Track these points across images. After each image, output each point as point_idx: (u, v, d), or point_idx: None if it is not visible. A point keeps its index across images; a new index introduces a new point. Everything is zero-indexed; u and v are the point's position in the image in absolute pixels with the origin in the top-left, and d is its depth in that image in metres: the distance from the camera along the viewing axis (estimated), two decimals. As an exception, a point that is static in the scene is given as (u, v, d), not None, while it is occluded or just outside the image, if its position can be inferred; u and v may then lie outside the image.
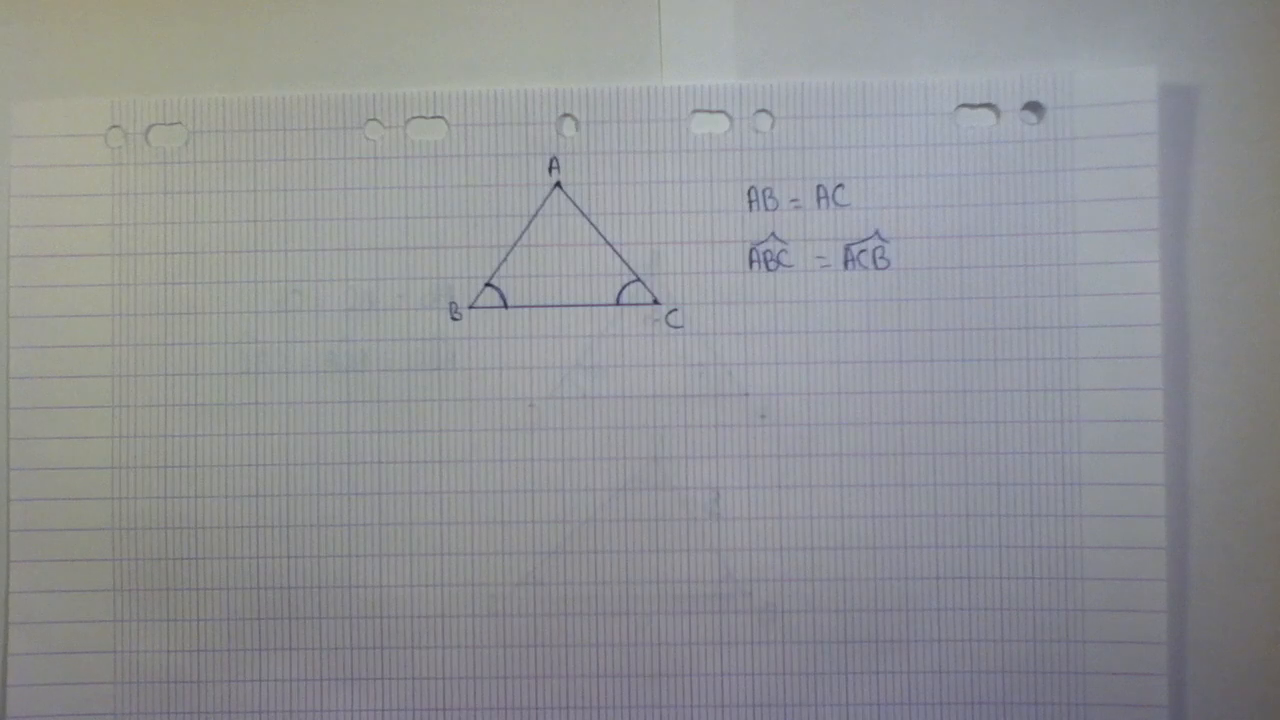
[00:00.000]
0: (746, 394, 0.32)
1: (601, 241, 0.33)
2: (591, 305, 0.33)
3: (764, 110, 0.33)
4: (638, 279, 0.33)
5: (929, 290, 0.32)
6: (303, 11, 0.34)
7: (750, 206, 0.33)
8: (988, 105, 0.32)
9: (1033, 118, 0.32)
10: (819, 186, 0.33)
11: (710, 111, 0.33)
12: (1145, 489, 0.32)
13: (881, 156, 0.32)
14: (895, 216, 0.32)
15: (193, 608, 0.33)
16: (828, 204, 0.33)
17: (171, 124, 0.33)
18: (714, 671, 0.32)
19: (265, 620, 0.32)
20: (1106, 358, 0.32)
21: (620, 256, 0.33)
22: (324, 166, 0.33)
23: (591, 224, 0.33)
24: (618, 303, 0.33)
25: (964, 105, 0.32)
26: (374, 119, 0.33)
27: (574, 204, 0.33)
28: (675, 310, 0.33)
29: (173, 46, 0.34)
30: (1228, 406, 0.32)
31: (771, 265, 0.33)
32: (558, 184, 0.33)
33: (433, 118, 0.33)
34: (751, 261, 0.33)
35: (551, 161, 0.33)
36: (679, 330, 0.33)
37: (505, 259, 0.33)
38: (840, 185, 0.33)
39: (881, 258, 0.32)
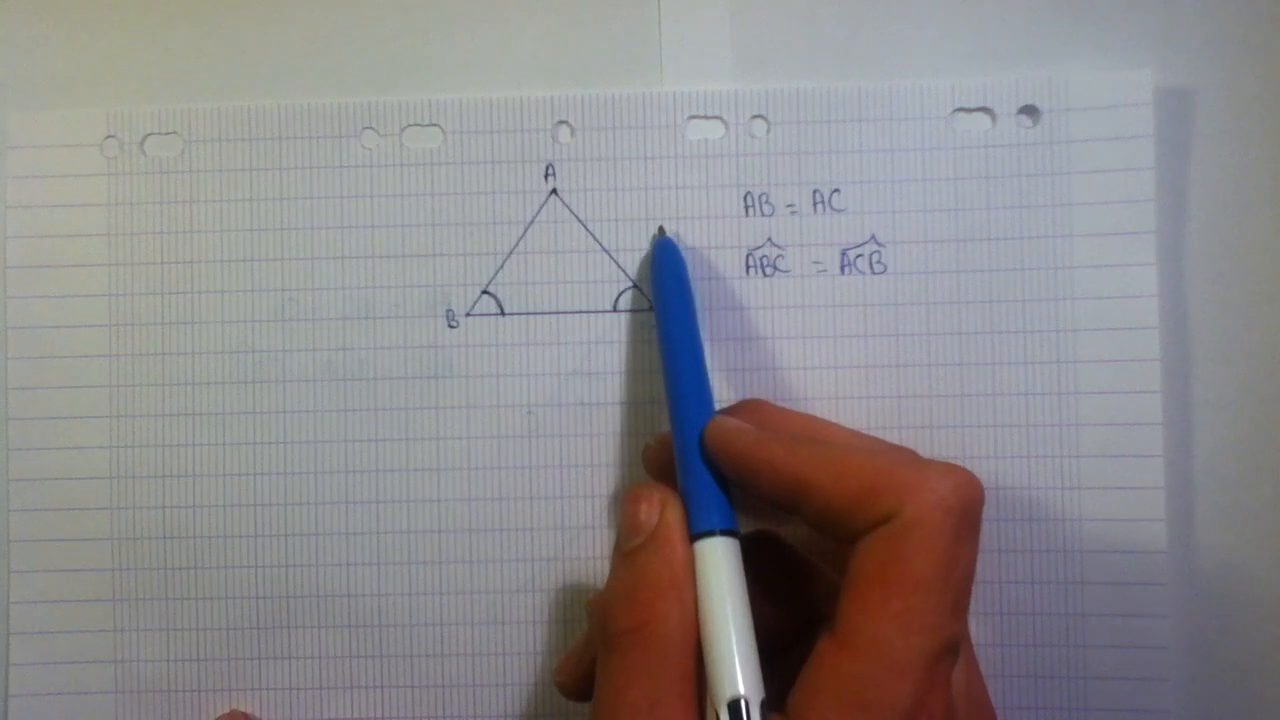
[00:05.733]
0: (744, 399, 0.32)
1: (598, 248, 0.33)
2: (588, 312, 0.33)
3: (760, 115, 0.33)
4: (635, 285, 0.33)
5: (926, 294, 0.32)
6: (298, 21, 0.34)
7: (746, 212, 0.33)
8: (983, 109, 0.32)
9: (1028, 121, 0.32)
10: (815, 191, 0.33)
11: (706, 117, 0.33)
12: (1145, 492, 0.32)
13: (877, 161, 0.32)
14: (891, 221, 0.32)
15: (192, 617, 0.33)
16: (824, 209, 0.32)
17: (167, 134, 0.33)
18: (713, 678, 0.32)
19: (264, 629, 0.33)
20: (1105, 361, 0.32)
21: (617, 263, 0.33)
22: (320, 175, 0.33)
23: (588, 230, 0.33)
24: (615, 309, 0.33)
25: (960, 109, 0.32)
26: (370, 127, 0.33)
27: (570, 210, 0.33)
28: (672, 316, 0.33)
29: (168, 56, 0.34)
30: (1228, 408, 0.32)
31: (768, 271, 0.33)
32: (554, 191, 0.33)
33: (428, 125, 0.33)
34: (748, 267, 0.33)
35: (547, 168, 0.33)
36: (676, 336, 0.33)
37: (502, 266, 0.33)
38: (836, 190, 0.32)
39: (878, 262, 0.32)
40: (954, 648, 0.23)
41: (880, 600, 0.23)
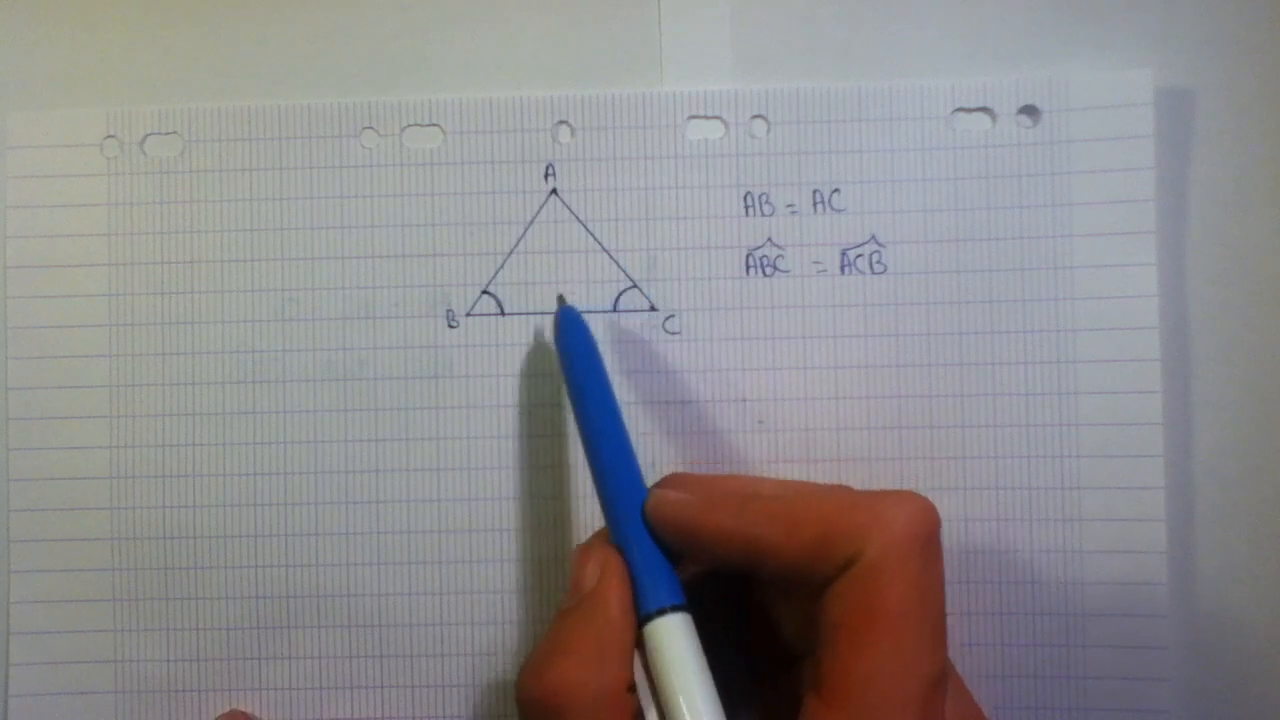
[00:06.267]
0: (744, 399, 0.32)
1: (598, 248, 0.33)
2: (588, 312, 0.33)
3: (760, 115, 0.33)
4: (634, 285, 0.33)
5: (926, 294, 0.32)
6: (298, 21, 0.34)
7: (746, 212, 0.33)
8: (983, 109, 0.32)
9: (1028, 121, 0.32)
10: (815, 191, 0.33)
11: (706, 117, 0.33)
12: (1145, 492, 0.32)
13: (877, 161, 0.32)
14: (892, 221, 0.32)
15: (192, 617, 0.33)
16: (824, 209, 0.32)
17: (167, 134, 0.33)
18: (713, 678, 0.32)
19: (264, 629, 0.33)
20: (1105, 361, 0.32)
21: (617, 263, 0.33)
22: (320, 175, 0.33)
23: (588, 230, 0.33)
24: (615, 309, 0.33)
25: (960, 109, 0.32)
26: (369, 127, 0.33)
27: (570, 211, 0.33)
28: (672, 316, 0.33)
29: (168, 56, 0.34)
30: (1228, 408, 0.32)
31: (768, 271, 0.33)
32: (554, 191, 0.33)
33: (428, 125, 0.33)
34: (748, 267, 0.33)
35: (547, 168, 0.33)
36: (676, 336, 0.33)
37: (502, 266, 0.33)
38: (836, 190, 0.32)
39: (878, 262, 0.32)
40: (942, 679, 0.23)
41: (862, 648, 0.22)
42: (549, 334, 0.32)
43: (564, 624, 0.25)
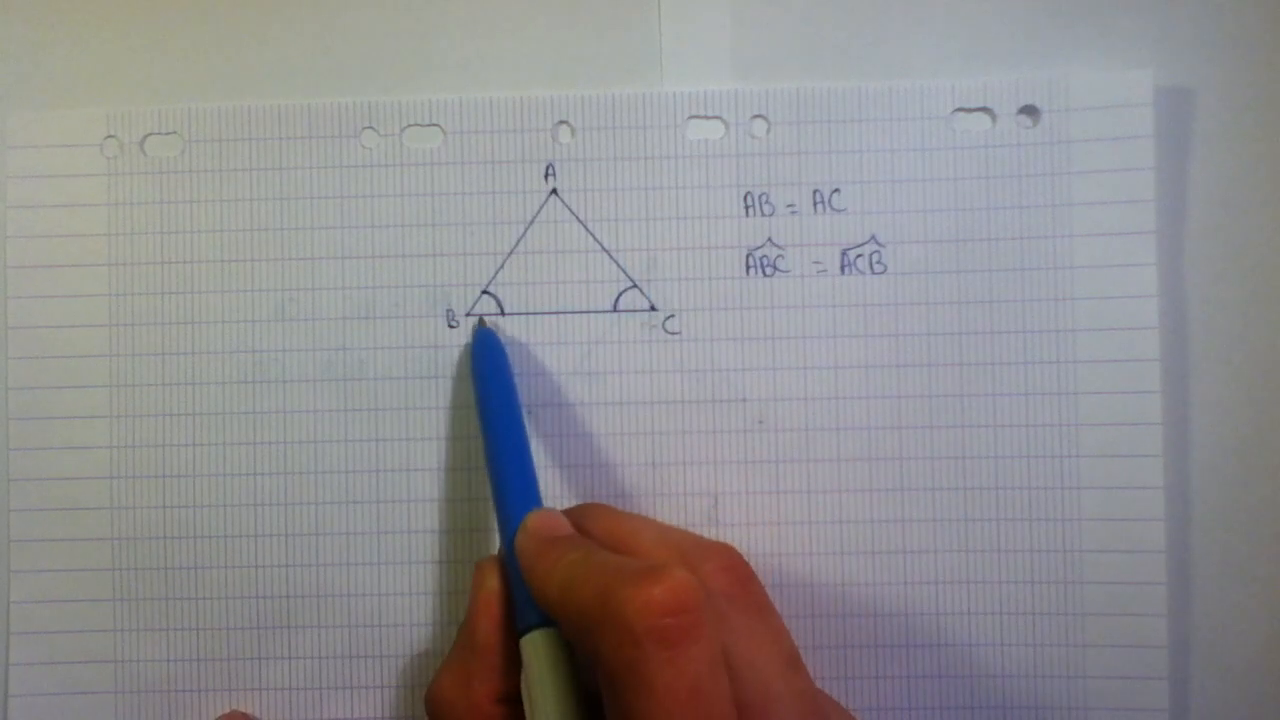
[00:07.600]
0: (744, 399, 0.32)
1: (598, 248, 0.33)
2: (588, 312, 0.33)
3: (760, 115, 0.33)
4: (634, 285, 0.33)
5: (926, 295, 0.32)
6: (298, 20, 0.34)
7: (747, 212, 0.33)
8: (983, 109, 0.32)
9: (1028, 121, 0.32)
10: (815, 191, 0.33)
11: (706, 117, 0.33)
12: (1144, 492, 0.32)
13: (878, 161, 0.32)
14: (892, 221, 0.32)
15: (192, 617, 0.33)
16: (824, 209, 0.32)
17: (167, 133, 0.33)
18: (713, 677, 0.32)
19: (264, 629, 0.33)
20: (1104, 361, 0.32)
21: (617, 263, 0.33)
22: (320, 175, 0.33)
23: (588, 231, 0.33)
24: (615, 309, 0.33)
25: (960, 109, 0.32)
26: (370, 127, 0.33)
27: (570, 211, 0.33)
28: (672, 316, 0.33)
29: (168, 56, 0.34)
30: (1227, 409, 0.32)
31: (768, 271, 0.33)
32: (554, 191, 0.33)
33: (428, 125, 0.33)
34: (748, 267, 0.33)
35: (547, 168, 0.33)
36: (676, 336, 0.33)
37: (502, 266, 0.33)
38: (836, 190, 0.32)
39: (878, 262, 0.32)
40: None
41: None
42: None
43: (455, 640, 0.27)
